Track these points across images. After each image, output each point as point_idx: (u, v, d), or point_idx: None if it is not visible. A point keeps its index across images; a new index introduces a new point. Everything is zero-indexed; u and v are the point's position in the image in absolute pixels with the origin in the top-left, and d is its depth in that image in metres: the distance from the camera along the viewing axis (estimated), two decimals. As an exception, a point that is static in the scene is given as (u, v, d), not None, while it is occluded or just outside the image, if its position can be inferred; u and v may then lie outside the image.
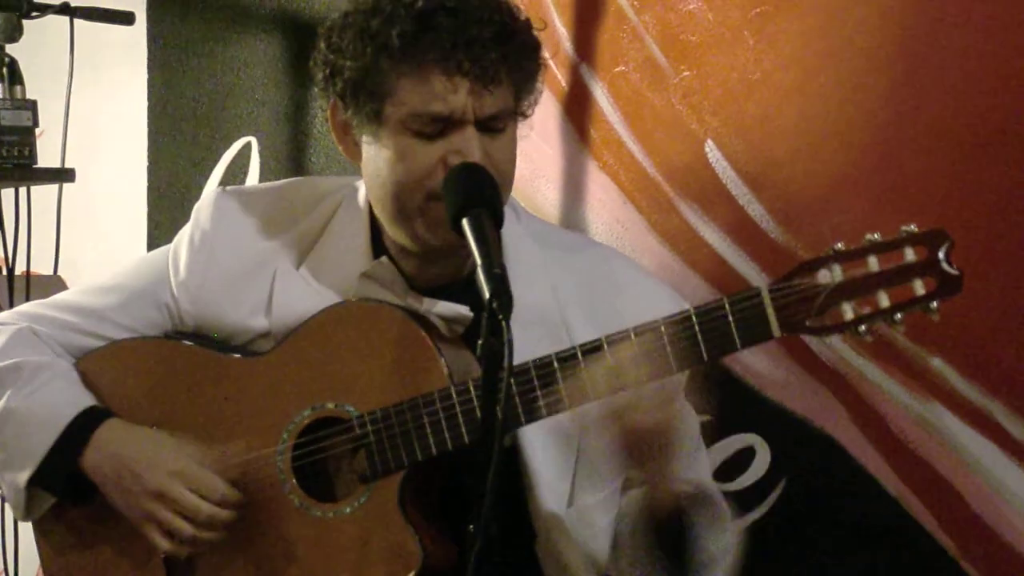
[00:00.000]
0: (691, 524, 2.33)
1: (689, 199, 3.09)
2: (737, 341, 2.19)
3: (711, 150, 3.06)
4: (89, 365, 2.56)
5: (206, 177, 3.83)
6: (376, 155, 2.37)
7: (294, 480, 2.42)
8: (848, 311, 2.15)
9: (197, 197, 2.62)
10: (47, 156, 3.62)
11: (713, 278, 3.04)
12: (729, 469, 3.06)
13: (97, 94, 3.94)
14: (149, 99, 3.94)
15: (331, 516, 2.40)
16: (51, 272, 3.73)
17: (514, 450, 2.37)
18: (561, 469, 2.38)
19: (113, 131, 4.01)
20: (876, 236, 2.14)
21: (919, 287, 2.13)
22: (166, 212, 3.90)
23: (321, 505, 2.41)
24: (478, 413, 2.27)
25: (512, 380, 2.19)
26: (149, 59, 3.93)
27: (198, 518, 2.41)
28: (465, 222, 2.19)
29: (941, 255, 2.13)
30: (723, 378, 3.04)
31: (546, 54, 2.42)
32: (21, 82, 3.54)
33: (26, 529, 2.70)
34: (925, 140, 2.85)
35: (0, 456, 2.50)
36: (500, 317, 2.00)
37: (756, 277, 3.00)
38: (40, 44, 3.57)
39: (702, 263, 3.07)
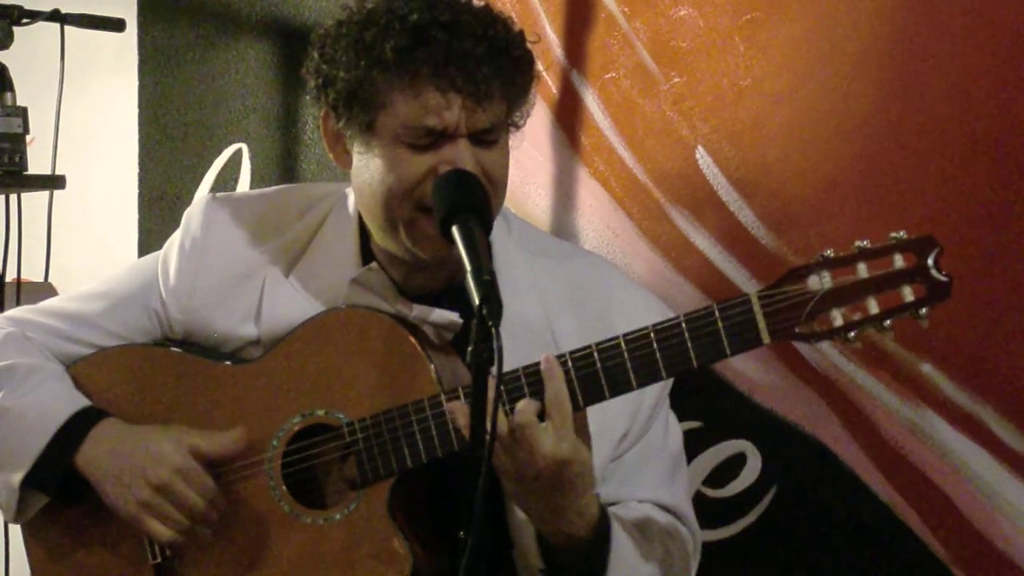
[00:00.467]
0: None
1: (680, 205, 3.10)
2: (727, 348, 2.19)
3: (702, 156, 3.06)
4: (79, 371, 2.56)
5: (197, 184, 3.82)
6: (367, 165, 2.37)
7: (284, 487, 2.42)
8: (837, 317, 2.15)
9: (188, 204, 2.62)
10: (38, 163, 3.61)
11: (704, 284, 3.05)
12: (720, 475, 3.06)
13: (88, 101, 3.94)
14: (140, 106, 3.93)
15: (321, 523, 2.39)
16: (42, 279, 3.73)
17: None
18: None
19: (104, 138, 4.00)
20: (865, 243, 2.15)
21: (908, 293, 2.14)
22: (157, 219, 3.90)
23: (311, 512, 2.41)
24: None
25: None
26: (140, 66, 3.93)
27: (197, 513, 2.41)
28: (454, 229, 2.19)
29: (930, 261, 2.13)
30: (714, 384, 3.05)
31: (540, 66, 2.42)
32: (11, 89, 3.53)
33: (17, 535, 2.69)
34: (915, 146, 2.85)
35: None
36: (490, 323, 2.00)
37: (747, 283, 3.01)
38: (31, 51, 3.56)
39: (693, 269, 3.07)
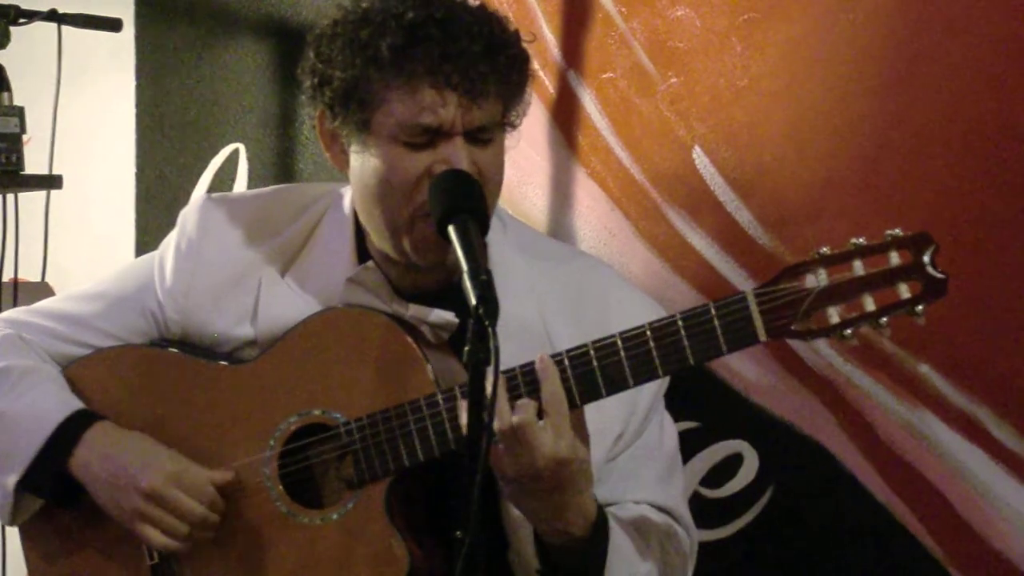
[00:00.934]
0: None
1: (677, 205, 3.10)
2: (723, 345, 2.19)
3: (699, 156, 3.06)
4: (75, 373, 2.56)
5: (194, 183, 3.82)
6: (364, 164, 2.37)
7: (281, 487, 2.41)
8: (833, 315, 2.15)
9: (185, 203, 2.62)
10: (35, 163, 3.62)
11: (701, 284, 3.05)
12: (717, 476, 3.06)
13: (85, 101, 3.94)
14: (137, 106, 3.93)
15: (318, 522, 2.39)
16: (39, 279, 3.73)
17: None
18: None
19: (101, 138, 4.00)
20: (861, 240, 2.15)
21: (904, 291, 2.14)
22: (154, 219, 3.90)
23: (308, 511, 2.40)
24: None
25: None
26: (137, 66, 3.93)
27: (192, 519, 2.41)
28: (451, 228, 2.19)
29: (926, 259, 2.13)
30: (711, 384, 3.05)
31: (536, 65, 2.42)
32: (8, 88, 3.53)
33: (14, 536, 2.69)
34: (913, 146, 2.85)
35: None
36: (486, 323, 2.00)
37: (744, 283, 3.01)
38: (28, 51, 3.56)
39: (690, 269, 3.07)
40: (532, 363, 2.23)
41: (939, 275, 2.14)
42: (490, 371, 1.98)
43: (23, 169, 3.55)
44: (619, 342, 2.22)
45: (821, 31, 2.92)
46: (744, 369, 3.03)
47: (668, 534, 2.44)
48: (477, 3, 2.42)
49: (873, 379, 2.91)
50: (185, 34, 3.85)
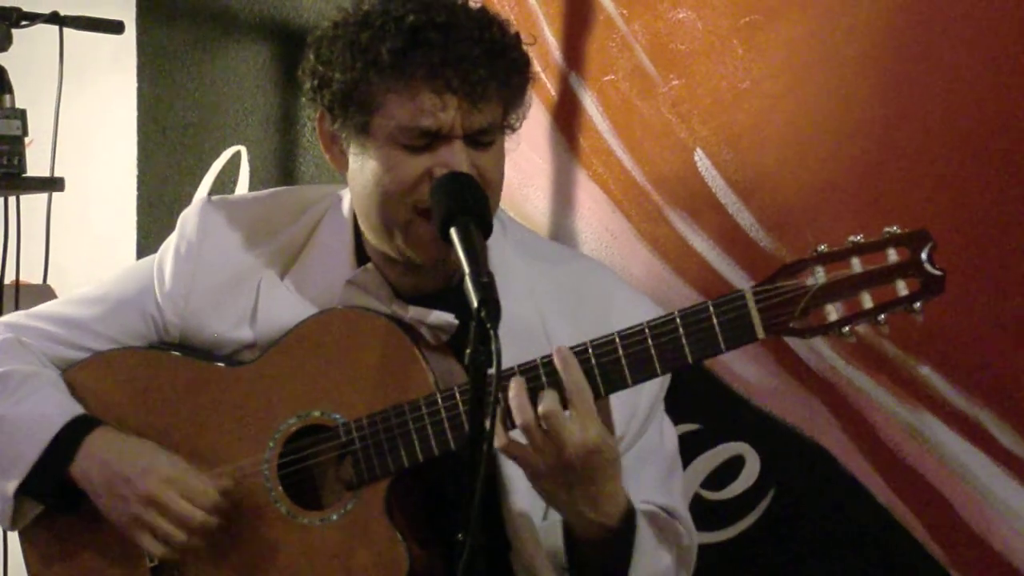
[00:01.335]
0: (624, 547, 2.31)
1: (678, 208, 3.10)
2: (721, 343, 2.20)
3: (700, 159, 3.06)
4: (74, 377, 2.56)
5: (196, 186, 3.82)
6: (363, 166, 2.37)
7: (280, 488, 2.41)
8: (832, 312, 2.16)
9: (187, 206, 2.62)
10: (36, 165, 3.62)
11: (702, 287, 3.04)
12: (718, 478, 3.06)
13: (86, 103, 3.94)
14: (139, 108, 3.93)
15: (318, 523, 2.39)
16: (41, 281, 3.73)
17: (493, 459, 2.37)
18: None
19: (103, 140, 4.00)
20: (859, 238, 2.15)
21: (902, 288, 2.14)
22: (156, 221, 3.90)
23: (308, 513, 2.40)
24: (464, 418, 2.27)
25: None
26: (139, 68, 3.93)
27: (191, 525, 2.41)
28: (453, 231, 2.19)
29: (924, 256, 2.14)
30: (712, 387, 3.05)
31: (536, 68, 2.42)
32: (10, 91, 3.53)
33: (15, 539, 2.69)
34: (913, 148, 2.85)
35: None
36: (488, 325, 2.00)
37: (745, 286, 2.98)
38: (29, 53, 3.57)
39: (691, 272, 3.07)
40: (532, 361, 2.23)
41: (937, 272, 2.14)
42: (491, 373, 1.99)
43: (25, 171, 3.55)
44: (617, 340, 2.22)
45: (822, 33, 2.92)
46: (745, 371, 3.03)
47: (675, 532, 2.44)
48: (478, 5, 2.42)
49: (874, 381, 2.91)
50: (187, 36, 3.86)
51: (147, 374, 2.52)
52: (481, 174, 2.32)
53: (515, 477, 2.35)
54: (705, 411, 3.05)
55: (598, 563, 2.31)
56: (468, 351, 2.01)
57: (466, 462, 1.99)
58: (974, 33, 2.79)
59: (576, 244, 3.19)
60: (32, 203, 3.71)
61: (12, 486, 2.46)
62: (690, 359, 2.21)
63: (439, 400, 2.31)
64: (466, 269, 2.11)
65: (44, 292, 3.66)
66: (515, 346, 2.20)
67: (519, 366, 2.23)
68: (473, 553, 1.97)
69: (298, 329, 2.42)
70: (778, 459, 3.02)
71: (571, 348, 2.24)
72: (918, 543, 2.89)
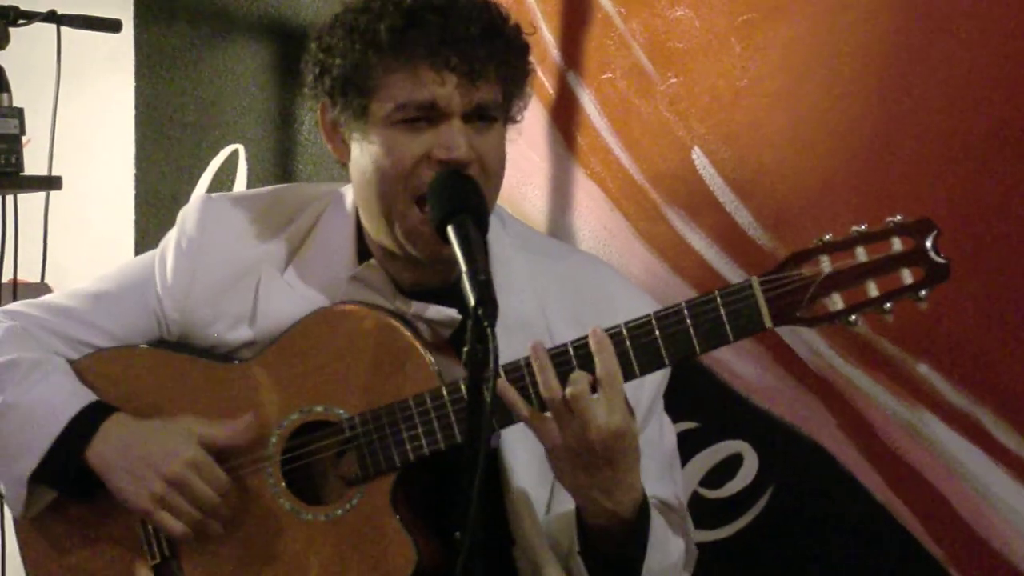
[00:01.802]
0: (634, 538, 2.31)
1: (676, 206, 3.10)
2: (729, 333, 2.20)
3: (698, 157, 3.06)
4: (77, 368, 2.54)
5: (194, 185, 3.82)
6: (363, 152, 2.38)
7: (284, 484, 2.41)
8: (838, 301, 2.17)
9: (185, 204, 2.62)
10: (34, 164, 3.61)
11: (700, 285, 3.05)
12: (717, 476, 3.06)
13: (84, 102, 3.94)
14: (136, 107, 3.93)
15: (322, 519, 2.39)
16: (38, 280, 3.72)
17: (496, 453, 2.37)
18: (541, 476, 2.37)
19: (100, 139, 4.00)
20: (864, 227, 2.16)
21: (907, 276, 2.15)
22: (154, 220, 3.90)
23: (312, 508, 2.40)
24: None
25: (502, 378, 2.21)
26: (136, 67, 3.93)
27: (207, 507, 2.41)
28: (450, 229, 2.19)
29: (928, 244, 2.15)
30: (711, 385, 3.05)
31: (533, 59, 2.43)
32: (8, 90, 3.53)
33: (15, 541, 2.68)
34: (912, 146, 2.85)
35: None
36: (485, 324, 2.00)
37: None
38: (27, 52, 3.56)
39: (689, 270, 3.07)
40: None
41: (941, 260, 2.15)
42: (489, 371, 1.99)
43: (22, 170, 3.54)
44: (624, 331, 2.22)
45: (820, 32, 2.93)
46: (744, 370, 3.03)
47: (682, 525, 2.45)
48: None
49: (872, 379, 2.91)
50: (184, 35, 3.85)
51: (146, 371, 2.52)
52: (481, 157, 2.33)
53: (520, 475, 2.36)
54: (704, 409, 3.05)
55: (605, 552, 2.31)
56: (465, 349, 2.01)
57: (466, 462, 1.99)
58: (972, 31, 2.79)
59: (574, 242, 3.19)
60: (30, 202, 3.71)
61: (27, 472, 2.45)
62: (698, 349, 2.21)
63: (444, 393, 2.31)
64: (463, 267, 2.11)
65: (42, 290, 3.66)
66: (516, 340, 2.21)
67: (550, 350, 2.22)
68: (472, 550, 1.96)
69: (299, 325, 2.42)
70: (776, 457, 3.03)
71: (577, 340, 2.23)
72: (916, 541, 2.90)
